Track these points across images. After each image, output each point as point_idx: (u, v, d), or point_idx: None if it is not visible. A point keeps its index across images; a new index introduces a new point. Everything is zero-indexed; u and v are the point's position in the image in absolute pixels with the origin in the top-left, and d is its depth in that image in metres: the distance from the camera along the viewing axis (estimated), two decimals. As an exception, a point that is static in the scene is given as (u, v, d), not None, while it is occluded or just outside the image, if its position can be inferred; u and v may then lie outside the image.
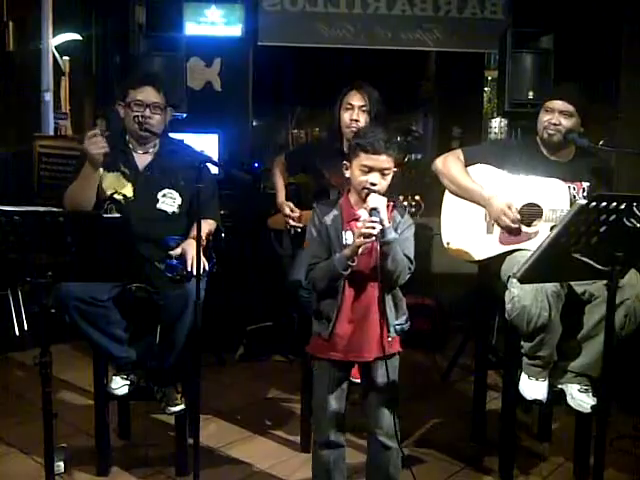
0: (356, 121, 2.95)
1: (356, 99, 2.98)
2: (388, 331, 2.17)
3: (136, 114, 2.67)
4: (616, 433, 2.83)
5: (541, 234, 2.60)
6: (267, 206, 3.43)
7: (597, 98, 2.94)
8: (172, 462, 2.72)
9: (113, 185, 2.71)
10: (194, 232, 2.39)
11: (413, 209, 2.62)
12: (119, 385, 2.67)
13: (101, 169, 2.62)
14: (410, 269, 2.16)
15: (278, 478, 2.71)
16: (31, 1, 4.58)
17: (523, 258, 2.05)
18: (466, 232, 2.80)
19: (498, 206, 2.63)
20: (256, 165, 4.99)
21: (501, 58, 4.67)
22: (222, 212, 2.96)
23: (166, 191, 2.73)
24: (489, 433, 2.97)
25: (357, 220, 2.17)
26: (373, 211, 2.04)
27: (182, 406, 2.63)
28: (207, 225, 2.73)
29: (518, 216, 2.62)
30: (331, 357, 2.20)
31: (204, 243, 2.62)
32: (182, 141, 3.01)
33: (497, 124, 6.02)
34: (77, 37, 5.19)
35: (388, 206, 2.12)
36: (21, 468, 2.71)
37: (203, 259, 2.53)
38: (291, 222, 3.08)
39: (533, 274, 1.94)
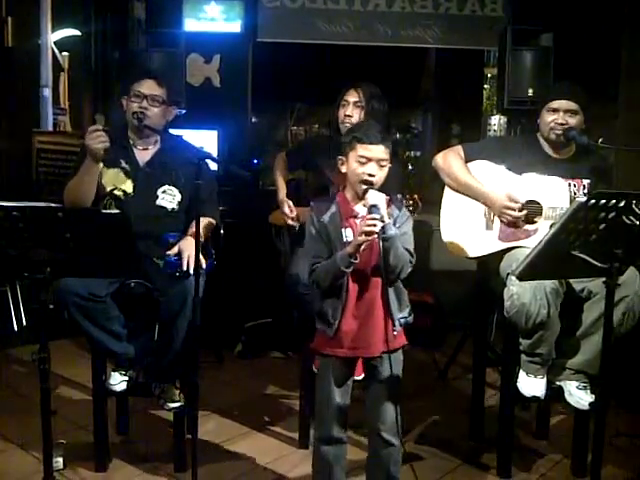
0: (349, 116, 2.97)
1: (351, 95, 3.01)
2: (393, 325, 2.17)
3: (134, 104, 2.68)
4: (614, 430, 2.84)
5: (540, 231, 2.60)
6: (266, 203, 3.43)
7: (596, 96, 2.94)
8: (170, 458, 2.71)
9: (113, 181, 2.71)
10: (192, 229, 2.39)
11: (411, 207, 2.63)
12: (118, 381, 2.66)
13: (101, 164, 2.62)
14: (411, 262, 2.16)
15: (277, 474, 2.71)
16: (30, -4, 4.57)
17: (522, 255, 2.04)
18: (465, 229, 2.80)
19: (499, 200, 2.62)
20: (255, 162, 4.99)
21: (501, 55, 4.68)
22: (221, 209, 2.95)
23: (166, 187, 2.73)
24: (487, 430, 2.96)
25: (355, 217, 2.17)
26: (373, 208, 2.03)
27: (180, 402, 2.63)
28: (206, 222, 2.73)
29: (520, 204, 2.59)
30: (337, 354, 2.19)
31: (202, 239, 2.62)
32: (181, 137, 3.01)
33: (496, 121, 6.04)
34: (76, 33, 5.20)
35: (385, 201, 2.12)
36: (20, 464, 2.70)
37: (201, 257, 2.52)
38: (289, 221, 3.09)
39: (532, 271, 1.94)
